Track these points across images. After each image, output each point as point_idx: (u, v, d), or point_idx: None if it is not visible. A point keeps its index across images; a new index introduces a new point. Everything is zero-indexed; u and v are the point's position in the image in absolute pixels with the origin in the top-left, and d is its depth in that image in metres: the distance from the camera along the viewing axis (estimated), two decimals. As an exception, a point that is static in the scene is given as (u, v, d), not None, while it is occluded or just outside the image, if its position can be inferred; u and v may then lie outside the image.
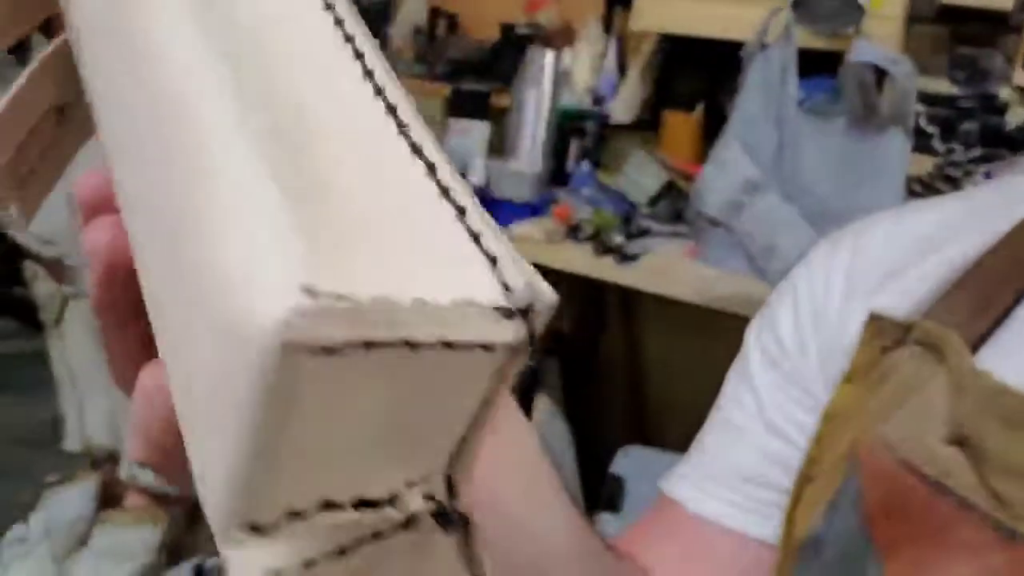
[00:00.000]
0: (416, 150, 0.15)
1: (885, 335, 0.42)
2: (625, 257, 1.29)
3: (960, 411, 0.37)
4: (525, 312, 0.13)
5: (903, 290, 0.44)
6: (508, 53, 1.73)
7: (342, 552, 0.14)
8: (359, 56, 0.17)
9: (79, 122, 0.25)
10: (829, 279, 0.47)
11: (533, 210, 1.42)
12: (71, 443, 1.50)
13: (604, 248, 1.32)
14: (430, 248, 0.13)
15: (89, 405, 1.48)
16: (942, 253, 0.44)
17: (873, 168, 1.22)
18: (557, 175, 1.60)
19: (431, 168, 0.15)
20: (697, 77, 1.71)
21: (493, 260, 0.13)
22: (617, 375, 1.92)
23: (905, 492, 0.38)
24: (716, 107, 1.65)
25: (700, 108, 1.67)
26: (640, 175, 1.58)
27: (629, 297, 1.75)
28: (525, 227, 1.33)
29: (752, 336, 0.50)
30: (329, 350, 0.11)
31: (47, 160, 0.25)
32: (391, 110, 0.16)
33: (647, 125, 1.74)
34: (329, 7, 0.18)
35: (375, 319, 0.11)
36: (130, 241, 0.19)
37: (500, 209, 1.38)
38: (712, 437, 0.50)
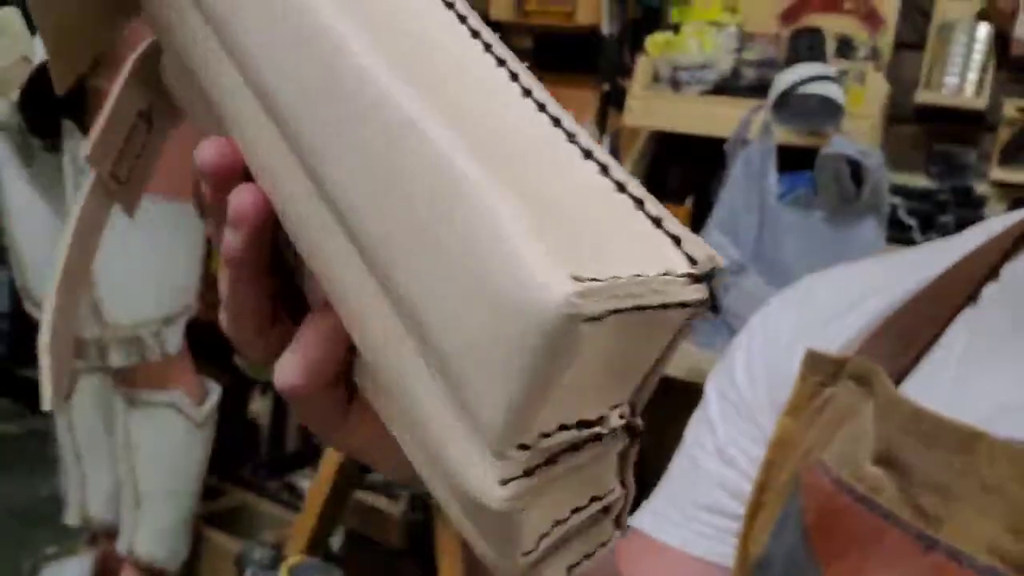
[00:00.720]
0: (588, 155, 0.19)
1: (821, 371, 0.47)
2: (616, 337, 1.34)
3: (885, 434, 0.42)
4: (707, 276, 0.17)
5: (843, 330, 0.49)
6: (508, 147, 1.82)
7: (552, 461, 0.18)
8: (514, 77, 0.20)
9: (162, 122, 0.28)
10: (779, 324, 0.52)
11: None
12: (71, 517, 1.51)
13: (596, 329, 1.37)
14: (631, 235, 0.17)
15: (91, 480, 1.50)
16: (879, 297, 0.49)
17: (849, 252, 1.28)
18: (553, 261, 1.67)
19: (604, 168, 0.19)
20: (686, 171, 1.80)
21: (677, 239, 0.17)
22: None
23: (839, 508, 0.41)
24: (705, 199, 1.73)
25: (690, 200, 1.75)
26: (633, 262, 1.65)
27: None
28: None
29: (711, 383, 0.55)
30: (594, 318, 0.16)
31: (141, 161, 0.29)
32: (557, 122, 0.19)
33: (640, 215, 1.82)
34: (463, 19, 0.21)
35: (619, 293, 0.16)
36: (282, 206, 0.22)
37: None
38: (675, 473, 0.55)
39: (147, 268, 1.34)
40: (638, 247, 0.17)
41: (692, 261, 0.17)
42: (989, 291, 0.47)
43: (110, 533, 1.49)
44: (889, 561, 0.39)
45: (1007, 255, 0.48)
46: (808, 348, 0.48)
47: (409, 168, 0.18)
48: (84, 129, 1.29)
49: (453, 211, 0.17)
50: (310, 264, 0.22)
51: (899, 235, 1.55)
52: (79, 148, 1.27)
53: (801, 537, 0.43)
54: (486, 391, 0.17)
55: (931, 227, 1.58)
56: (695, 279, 0.17)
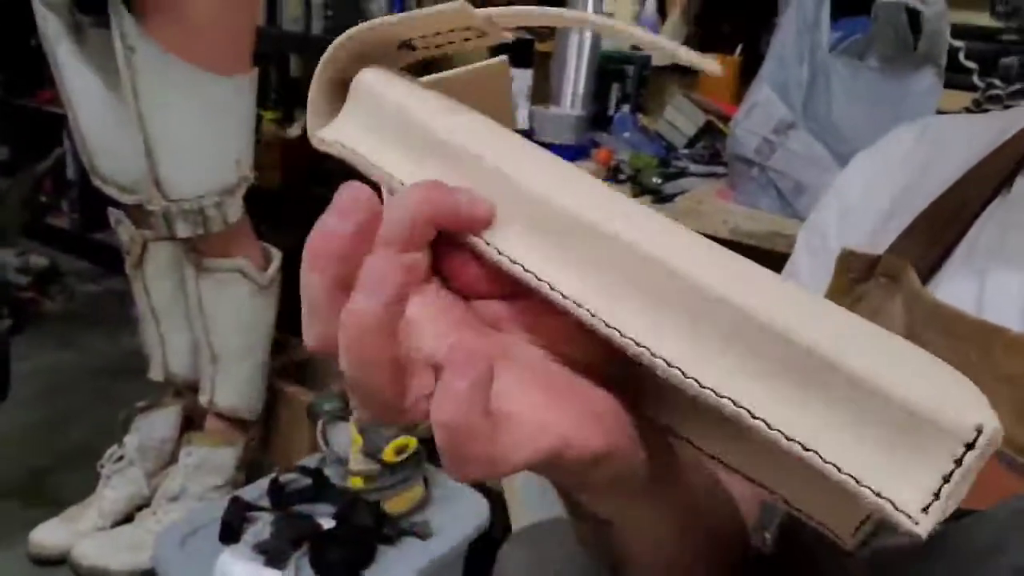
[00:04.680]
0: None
1: (855, 268, 0.50)
2: (662, 197, 1.36)
3: (910, 326, 0.45)
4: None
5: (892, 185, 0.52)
6: (551, -1, 1.77)
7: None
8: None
9: None
10: (852, 177, 0.56)
11: (576, 153, 1.48)
12: (155, 373, 1.64)
13: (642, 189, 1.38)
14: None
15: (170, 340, 1.61)
16: (935, 170, 0.52)
17: (903, 107, 1.25)
18: (599, 118, 1.66)
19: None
20: (736, 19, 1.73)
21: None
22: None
23: None
24: (755, 49, 1.68)
25: (739, 50, 1.70)
26: (679, 118, 1.64)
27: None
28: (566, 170, 1.40)
29: (801, 236, 0.58)
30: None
31: None
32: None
33: (687, 68, 1.77)
34: None
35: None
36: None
37: (543, 153, 1.46)
38: None
39: (205, 143, 1.39)
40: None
41: None
42: (1020, 183, 0.47)
43: (192, 387, 1.62)
44: None
45: None
46: (843, 246, 0.51)
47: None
48: (129, 5, 1.30)
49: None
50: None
51: (958, 79, 1.50)
52: (126, 24, 1.29)
53: None
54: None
55: (993, 70, 1.52)
56: None
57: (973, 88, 1.52)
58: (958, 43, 1.50)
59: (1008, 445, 0.39)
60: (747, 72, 1.59)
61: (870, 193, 0.54)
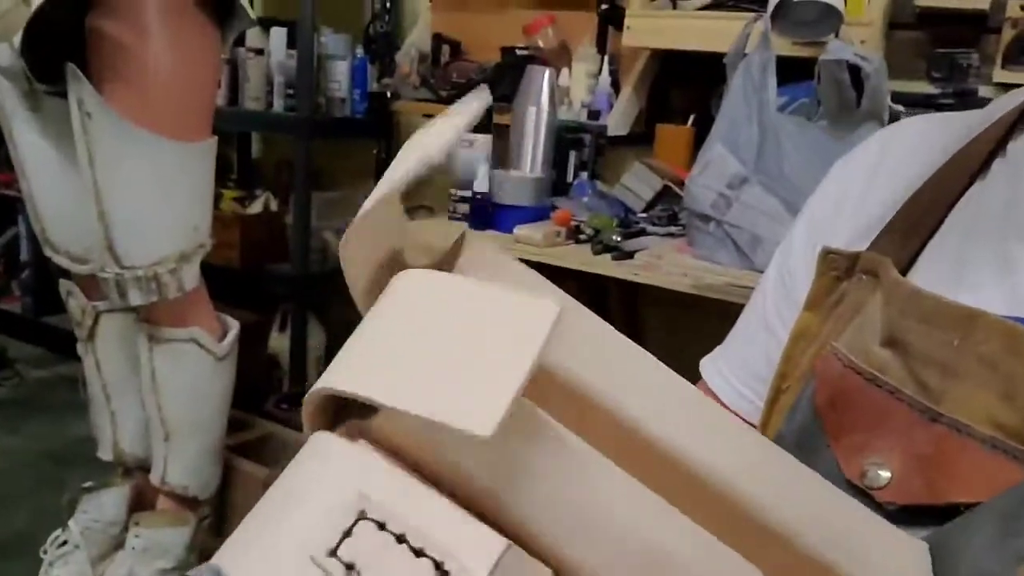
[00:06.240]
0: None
1: (837, 267, 0.49)
2: (622, 254, 1.36)
3: (889, 317, 0.44)
4: None
5: (874, 205, 0.51)
6: (508, 73, 1.82)
7: None
8: None
9: None
10: (827, 192, 0.56)
11: (536, 214, 1.50)
12: (104, 452, 1.57)
13: (603, 247, 1.39)
14: None
15: (121, 417, 1.55)
16: (907, 172, 0.51)
17: (851, 160, 1.29)
18: (558, 185, 1.68)
19: None
20: (688, 90, 1.79)
21: None
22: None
23: (849, 388, 0.44)
24: (707, 118, 1.73)
25: (692, 119, 1.75)
26: (636, 184, 1.67)
27: (630, 294, 1.83)
28: (526, 230, 1.40)
29: (777, 252, 0.58)
30: None
31: None
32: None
33: (642, 138, 1.82)
34: None
35: None
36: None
37: (503, 214, 1.46)
38: (737, 335, 0.59)
39: (159, 208, 1.37)
40: None
41: None
42: (997, 165, 0.48)
43: (143, 466, 1.55)
44: (895, 433, 0.41)
45: (1015, 126, 0.48)
46: (824, 246, 0.50)
47: None
48: (87, 72, 1.30)
49: None
50: None
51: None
52: (84, 91, 1.29)
53: (812, 416, 0.45)
54: None
55: (933, 133, 1.58)
56: None
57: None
58: (899, 107, 1.56)
59: (994, 427, 0.38)
60: (700, 141, 1.62)
61: (845, 199, 0.54)
